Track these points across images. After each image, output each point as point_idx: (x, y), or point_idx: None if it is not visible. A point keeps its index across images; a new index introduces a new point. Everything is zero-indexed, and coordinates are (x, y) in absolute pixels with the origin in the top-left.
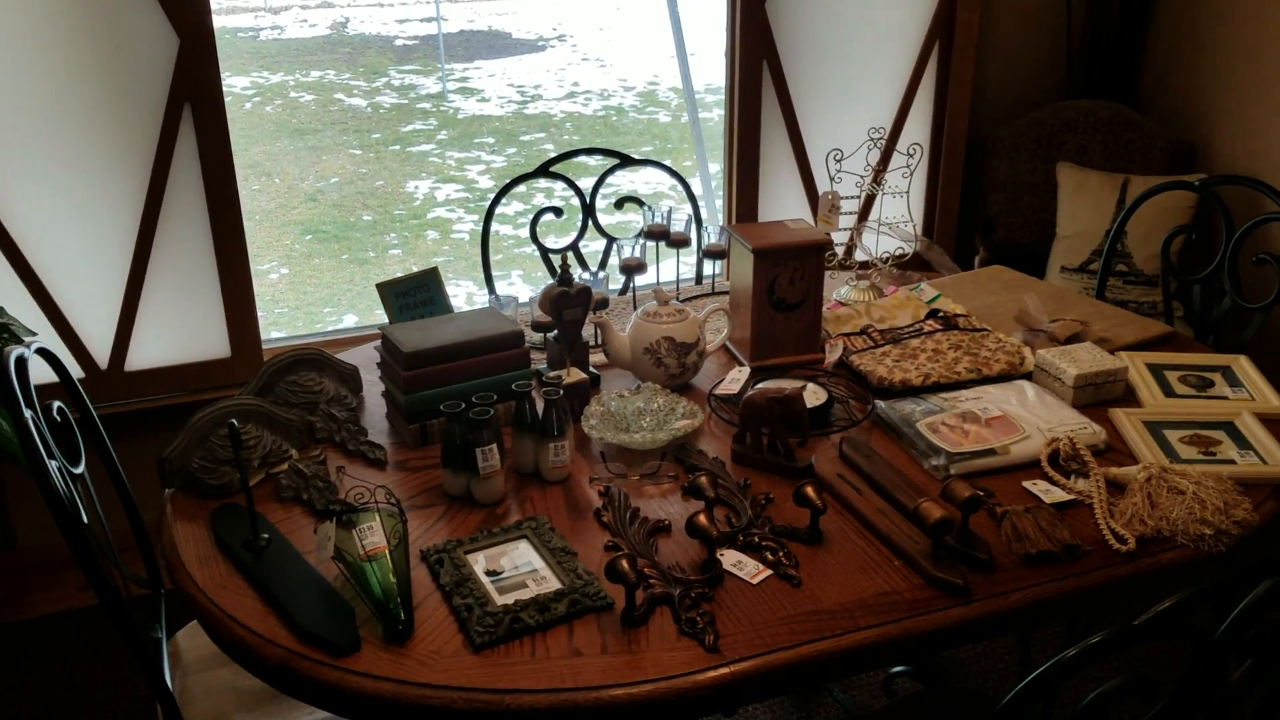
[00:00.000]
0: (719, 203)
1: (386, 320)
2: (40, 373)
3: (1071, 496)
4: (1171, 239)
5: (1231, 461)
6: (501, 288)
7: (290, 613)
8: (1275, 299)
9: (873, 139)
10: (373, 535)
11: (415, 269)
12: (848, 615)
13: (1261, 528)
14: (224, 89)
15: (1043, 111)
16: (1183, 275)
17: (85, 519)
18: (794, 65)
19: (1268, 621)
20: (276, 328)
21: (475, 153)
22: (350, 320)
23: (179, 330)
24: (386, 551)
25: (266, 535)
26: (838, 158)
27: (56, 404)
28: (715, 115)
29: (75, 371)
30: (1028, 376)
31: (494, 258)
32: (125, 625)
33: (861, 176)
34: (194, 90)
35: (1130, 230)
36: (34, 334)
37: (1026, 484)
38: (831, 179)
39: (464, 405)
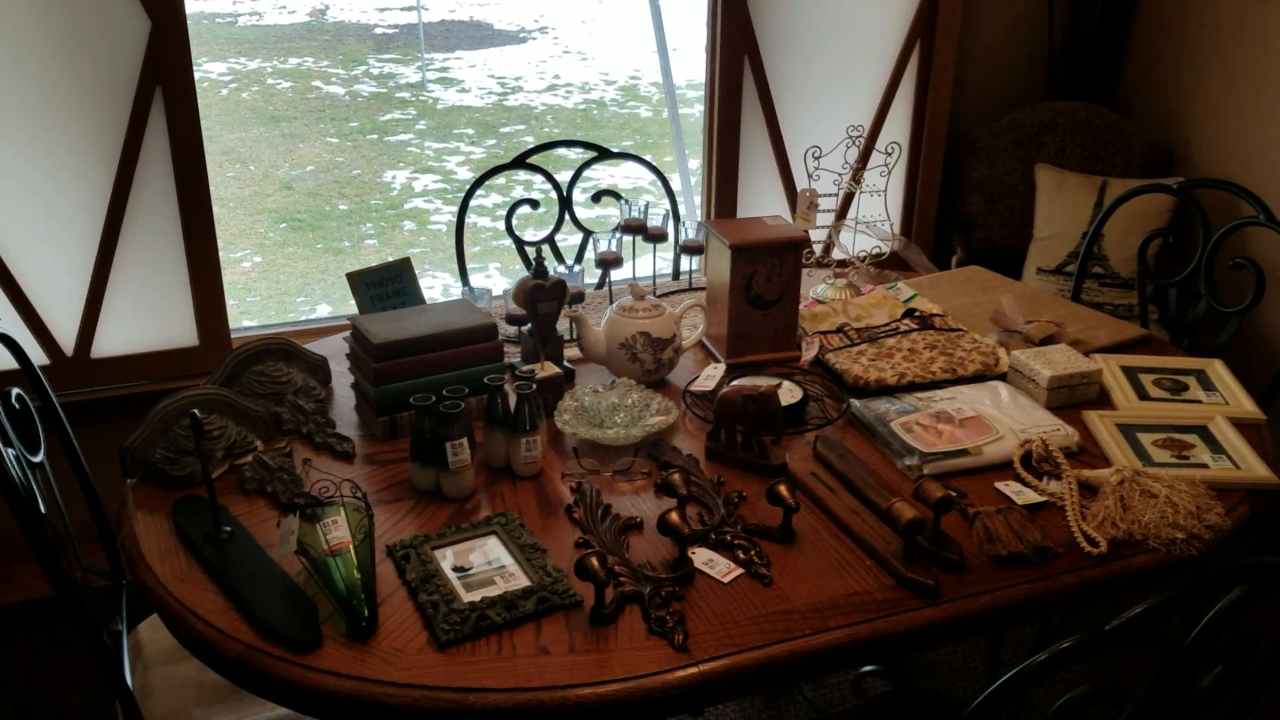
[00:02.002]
0: (698, 199)
1: (358, 311)
2: (3, 359)
3: (1044, 498)
4: (1148, 242)
5: (1204, 465)
6: (479, 280)
7: (251, 608)
8: (1251, 303)
9: (851, 137)
10: (337, 530)
11: (391, 259)
12: (818, 615)
13: (1233, 532)
14: (200, 75)
15: (1022, 112)
16: (1159, 278)
17: (44, 509)
18: (775, 61)
19: (1238, 628)
20: (248, 316)
21: (454, 144)
22: (324, 310)
23: (147, 318)
24: (351, 546)
25: (229, 528)
26: (816, 155)
27: (15, 391)
28: (695, 111)
29: (40, 358)
30: (1002, 377)
31: (472, 250)
32: (83, 620)
33: (840, 175)
34: (165, 74)
35: (1107, 233)
36: None
37: (999, 485)
38: (810, 176)
39: (434, 398)
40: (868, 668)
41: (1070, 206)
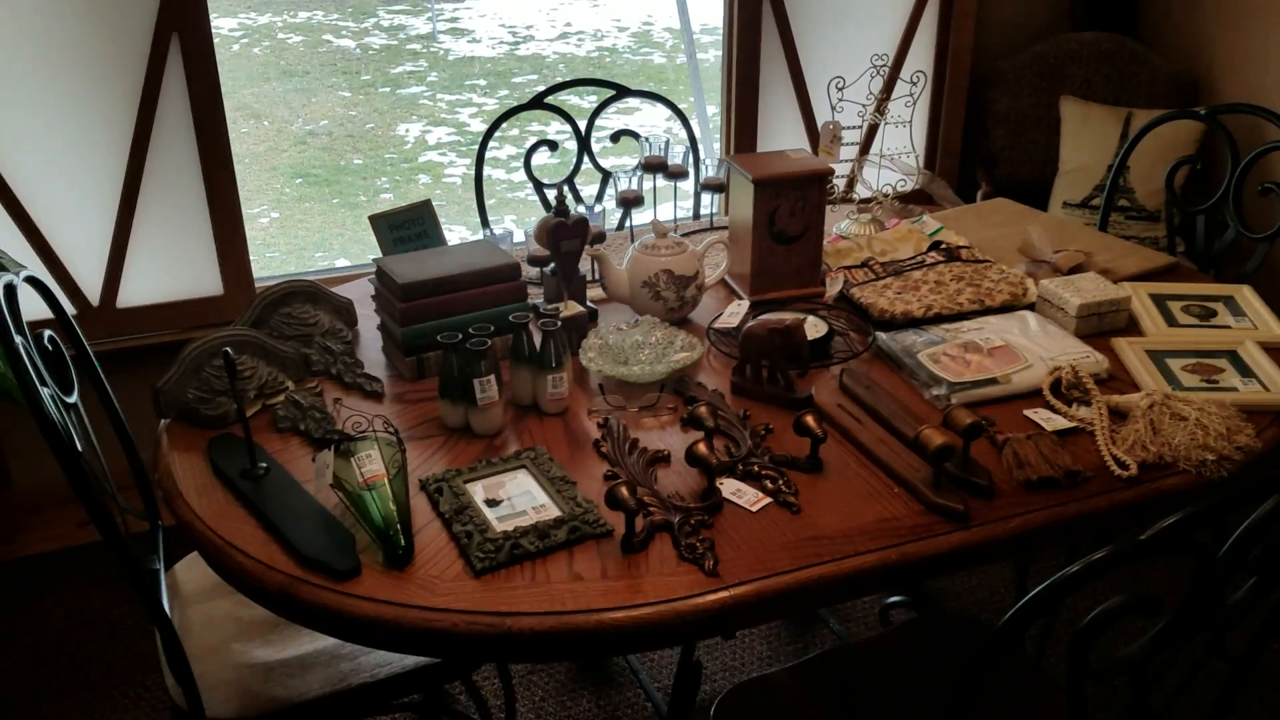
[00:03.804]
0: (716, 145)
1: (381, 254)
2: (33, 309)
3: (1074, 424)
4: (1176, 169)
5: (1234, 389)
6: (506, 226)
7: (290, 539)
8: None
9: (876, 66)
10: (371, 464)
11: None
12: (847, 540)
13: (1264, 454)
14: (212, 30)
15: (1046, 44)
16: (1186, 207)
17: (80, 447)
18: None
19: (1271, 540)
20: (268, 272)
21: (466, 95)
22: (343, 264)
23: (171, 267)
24: (385, 479)
25: (264, 464)
26: (839, 86)
27: (48, 333)
28: (712, 57)
29: (68, 309)
30: (1030, 307)
31: (489, 201)
32: (122, 553)
33: (864, 105)
34: (181, 21)
35: (1133, 165)
36: (23, 267)
37: (1028, 413)
38: (833, 108)
39: (461, 336)
40: (894, 598)
41: (1095, 139)
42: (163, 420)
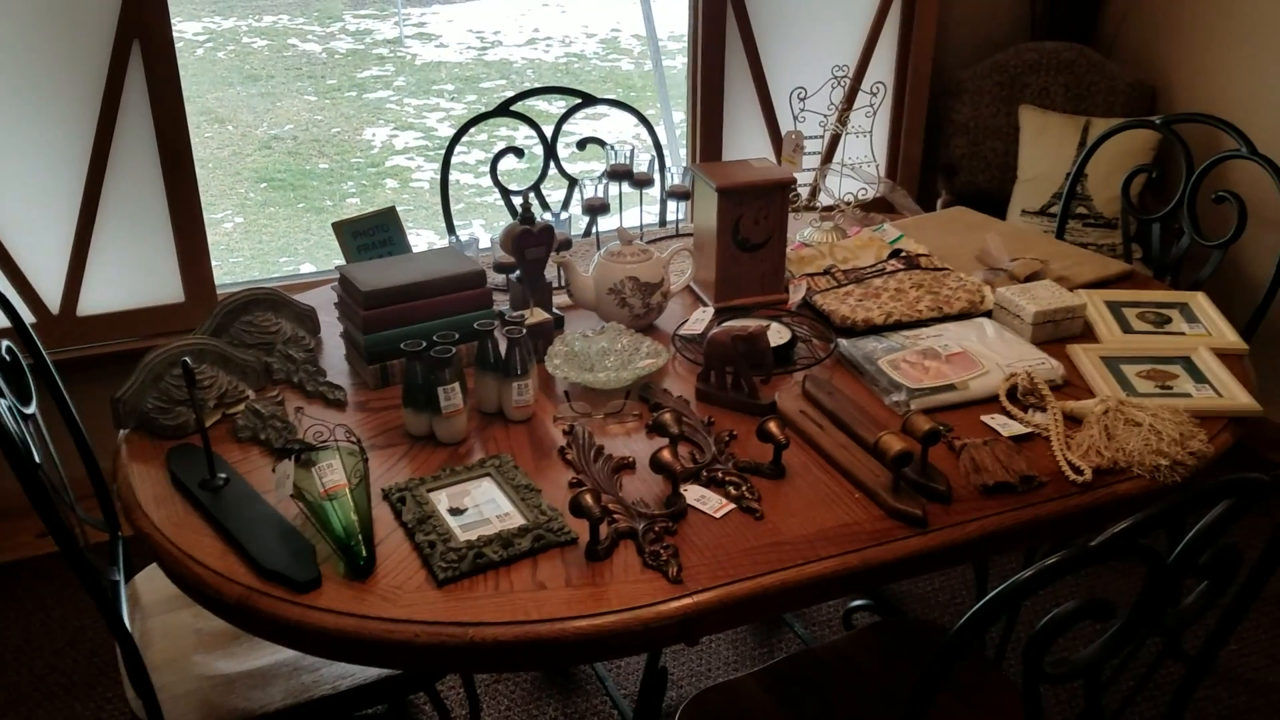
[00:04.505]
0: (683, 152)
1: (345, 261)
2: None
3: (1029, 430)
4: (1132, 177)
5: (1188, 395)
6: (471, 233)
7: (249, 550)
8: (1233, 236)
9: (836, 77)
10: (332, 473)
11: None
12: (809, 546)
13: (1216, 459)
14: (175, 35)
15: (1006, 54)
16: (1142, 215)
17: (38, 459)
18: (758, 2)
19: (1221, 544)
20: (231, 277)
21: (434, 100)
22: (308, 269)
23: (132, 274)
24: (347, 489)
25: (224, 475)
26: (801, 96)
27: (5, 343)
28: (679, 63)
29: (26, 317)
30: (988, 314)
31: (455, 206)
32: (81, 565)
33: (825, 116)
34: (142, 27)
35: (1091, 173)
36: None
37: (985, 418)
38: (795, 118)
39: (425, 344)
40: (858, 602)
41: (1054, 147)
42: (122, 430)
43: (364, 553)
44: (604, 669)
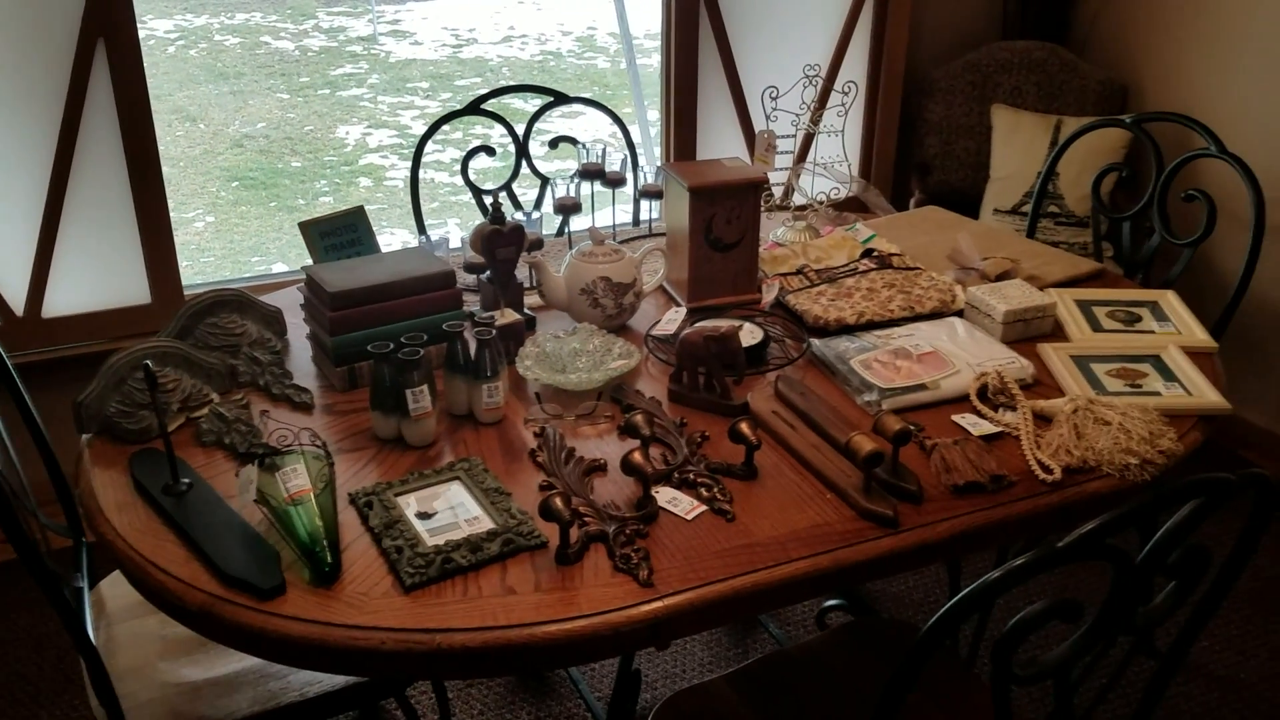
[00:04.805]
0: (658, 150)
1: (312, 262)
2: None
3: (999, 429)
4: (1103, 176)
5: (1157, 393)
6: (442, 233)
7: (212, 557)
8: (1203, 234)
9: (808, 76)
10: (297, 478)
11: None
12: (780, 547)
13: (1186, 457)
14: (146, 33)
15: (978, 53)
16: (1113, 213)
17: None
18: (731, 1)
19: (1190, 544)
20: (203, 277)
21: (408, 98)
22: (280, 269)
23: (98, 276)
24: (312, 494)
25: (187, 480)
26: (774, 96)
27: None
28: (654, 62)
29: None
30: (959, 314)
31: (430, 205)
32: (42, 574)
33: (798, 115)
34: (107, 25)
35: (1062, 172)
36: None
37: (956, 418)
38: (768, 117)
39: (393, 346)
40: (831, 602)
41: (1025, 146)
42: (84, 435)
43: (329, 559)
44: (578, 672)
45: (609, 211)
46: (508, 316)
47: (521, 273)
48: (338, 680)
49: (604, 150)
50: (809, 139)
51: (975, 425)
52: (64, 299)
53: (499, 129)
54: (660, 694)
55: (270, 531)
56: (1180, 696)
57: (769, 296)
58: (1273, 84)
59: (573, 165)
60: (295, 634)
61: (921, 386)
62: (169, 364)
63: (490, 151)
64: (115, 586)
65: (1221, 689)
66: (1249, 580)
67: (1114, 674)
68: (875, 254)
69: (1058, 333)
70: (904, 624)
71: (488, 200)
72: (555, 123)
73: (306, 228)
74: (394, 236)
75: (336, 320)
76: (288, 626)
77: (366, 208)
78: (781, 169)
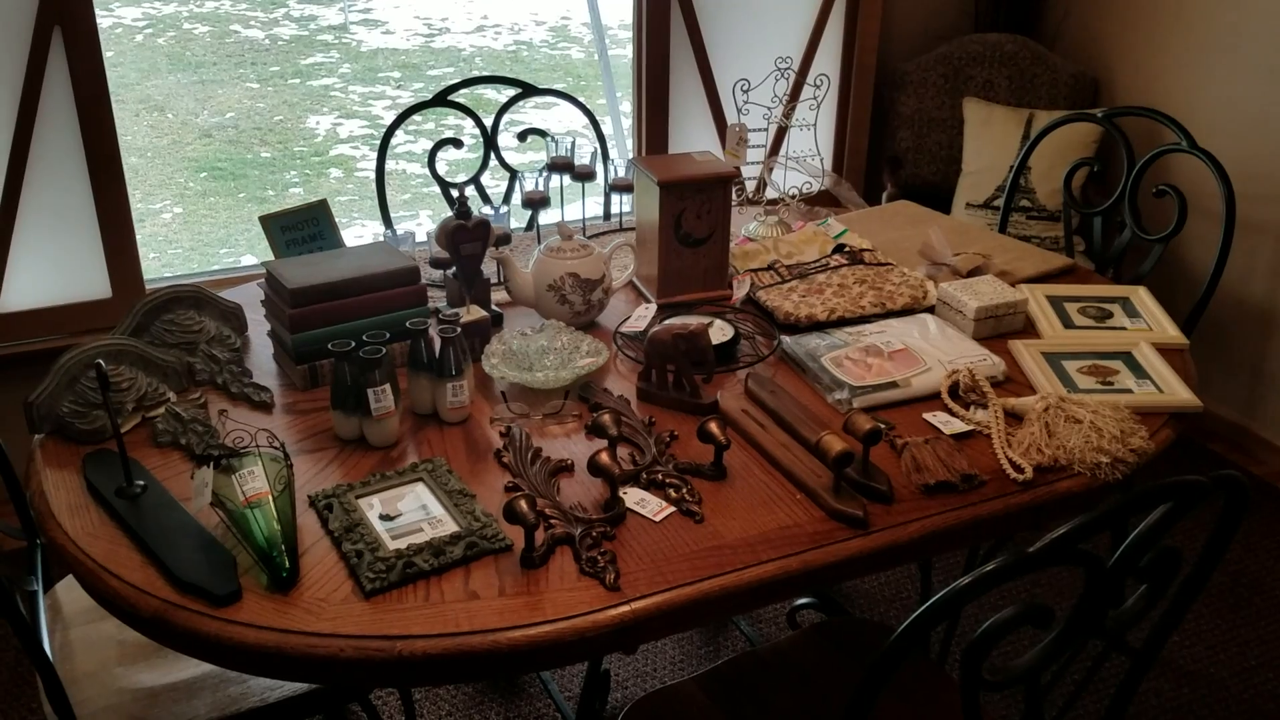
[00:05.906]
0: (630, 143)
1: (272, 256)
2: None
3: (970, 427)
4: (1074, 171)
5: (1129, 391)
6: (409, 227)
7: (167, 562)
8: (1174, 230)
9: (780, 69)
10: (254, 480)
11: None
12: (749, 549)
13: (1157, 455)
14: (113, 21)
15: (950, 46)
16: (1084, 208)
17: None
18: None
19: (1161, 547)
20: (170, 269)
21: (380, 88)
22: (249, 261)
23: (57, 270)
24: (270, 497)
25: (142, 482)
26: (745, 89)
27: None
28: (627, 53)
29: None
30: (931, 310)
31: (402, 197)
32: None
33: (769, 108)
34: (63, 13)
35: (1034, 166)
36: None
37: (927, 416)
38: (739, 111)
39: (354, 344)
40: (802, 600)
41: (997, 140)
42: (37, 435)
43: (286, 564)
44: (547, 672)
45: (579, 205)
46: (473, 313)
47: (488, 268)
48: (300, 685)
49: (573, 143)
50: (781, 132)
51: (946, 424)
52: (21, 293)
53: (470, 120)
54: (630, 693)
55: (226, 535)
56: (1150, 693)
57: (740, 293)
58: (1243, 80)
59: (543, 156)
60: (251, 641)
61: (893, 384)
62: (124, 362)
63: (458, 144)
64: (71, 590)
65: (1192, 684)
66: (1218, 575)
67: (1085, 678)
68: (847, 249)
69: (1029, 329)
70: (874, 624)
71: (454, 193)
72: (529, 114)
73: (267, 222)
74: (365, 229)
75: (296, 317)
76: (243, 634)
77: (337, 199)
78: (753, 163)
